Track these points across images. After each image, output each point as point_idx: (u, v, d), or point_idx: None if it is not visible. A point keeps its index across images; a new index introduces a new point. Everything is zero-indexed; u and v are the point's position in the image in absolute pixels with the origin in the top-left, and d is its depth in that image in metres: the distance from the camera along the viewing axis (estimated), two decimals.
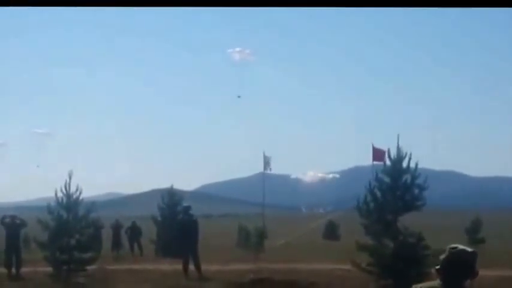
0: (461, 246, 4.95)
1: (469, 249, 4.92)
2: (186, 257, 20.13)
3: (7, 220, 22.06)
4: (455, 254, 4.87)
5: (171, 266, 22.96)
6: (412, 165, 17.70)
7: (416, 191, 17.73)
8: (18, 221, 22.09)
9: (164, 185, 43.33)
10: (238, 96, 66.68)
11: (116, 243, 33.10)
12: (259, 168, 43.02)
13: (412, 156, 17.70)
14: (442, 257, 4.97)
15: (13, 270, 21.67)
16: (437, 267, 4.99)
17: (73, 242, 20.24)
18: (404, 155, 17.64)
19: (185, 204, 21.24)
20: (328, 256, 27.56)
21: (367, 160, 37.87)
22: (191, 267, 20.23)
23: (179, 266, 20.68)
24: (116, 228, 33.72)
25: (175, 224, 21.08)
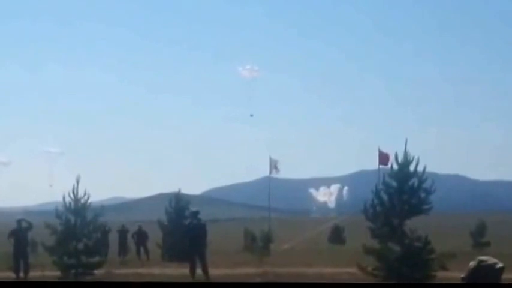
0: (491, 260, 4.92)
1: (498, 265, 4.89)
2: (193, 260, 20.20)
3: (14, 224, 22.10)
4: (482, 268, 4.85)
5: (177, 270, 23.04)
6: (420, 169, 17.78)
7: (423, 195, 17.79)
8: (25, 224, 22.11)
9: (171, 189, 43.41)
10: (251, 115, 64.84)
11: (123, 248, 33.18)
12: (265, 172, 43.06)
13: (416, 160, 17.79)
14: (470, 265, 4.94)
15: (21, 274, 21.71)
16: (463, 275, 4.96)
17: (80, 246, 20.36)
18: (411, 159, 17.72)
19: (193, 209, 21.32)
20: (334, 260, 27.58)
21: (372, 164, 37.92)
22: (198, 271, 20.30)
23: (185, 270, 20.76)
24: (123, 232, 33.81)
25: (183, 228, 21.17)
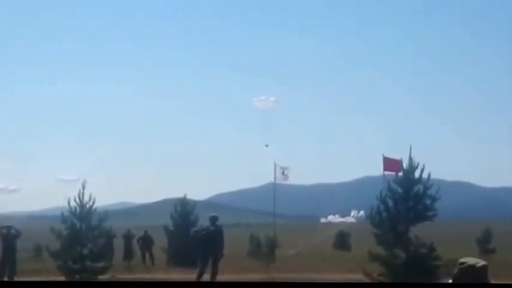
0: (471, 261, 4.90)
1: (478, 264, 4.86)
2: (205, 265, 20.11)
3: (3, 231, 21.75)
4: (463, 271, 4.84)
5: (182, 275, 22.99)
6: (424, 175, 17.75)
7: (428, 201, 17.76)
8: (13, 231, 21.78)
9: (176, 194, 43.23)
10: (266, 145, 61.86)
11: (128, 253, 33.17)
12: (270, 178, 42.96)
13: (421, 166, 17.75)
14: (455, 271, 4.94)
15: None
16: (450, 281, 4.97)
17: (86, 251, 20.35)
18: (416, 165, 17.70)
19: (212, 214, 21.29)
20: (339, 266, 27.52)
21: (378, 170, 37.69)
22: (205, 277, 20.21)
23: (190, 276, 20.70)
24: (128, 237, 33.81)
25: (200, 232, 21.15)
